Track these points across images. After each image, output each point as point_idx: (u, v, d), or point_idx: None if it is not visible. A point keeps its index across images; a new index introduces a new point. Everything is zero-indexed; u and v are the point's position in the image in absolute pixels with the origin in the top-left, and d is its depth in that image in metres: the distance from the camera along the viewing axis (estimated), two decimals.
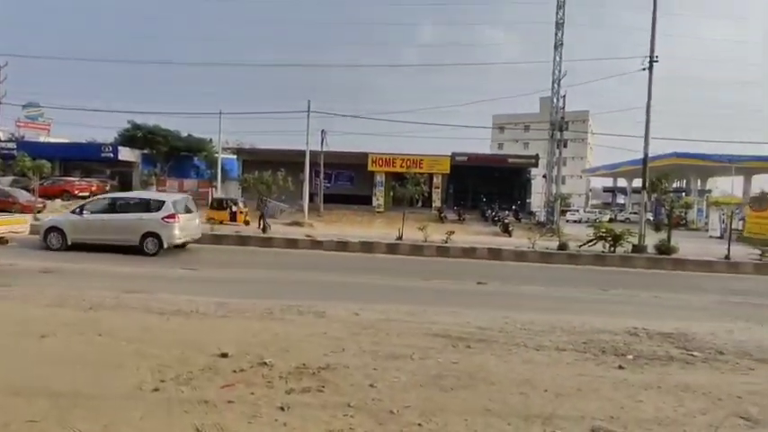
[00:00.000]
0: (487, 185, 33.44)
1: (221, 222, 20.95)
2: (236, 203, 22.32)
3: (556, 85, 27.48)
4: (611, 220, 39.62)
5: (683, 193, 45.20)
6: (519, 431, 3.33)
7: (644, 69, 15.57)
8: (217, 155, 33.50)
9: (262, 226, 18.25)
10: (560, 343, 5.69)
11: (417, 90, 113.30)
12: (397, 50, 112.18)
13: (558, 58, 27.30)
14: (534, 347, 5.45)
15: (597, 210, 50.68)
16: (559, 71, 27.27)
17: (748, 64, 79.10)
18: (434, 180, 32.23)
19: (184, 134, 37.75)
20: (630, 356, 5.35)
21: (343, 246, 15.72)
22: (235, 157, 37.35)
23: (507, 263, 14.60)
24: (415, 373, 4.35)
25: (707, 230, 31.21)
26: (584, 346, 5.61)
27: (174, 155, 36.75)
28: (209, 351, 4.67)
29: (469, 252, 15.20)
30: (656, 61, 15.18)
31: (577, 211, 46.94)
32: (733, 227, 28.22)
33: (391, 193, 22.22)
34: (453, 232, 16.67)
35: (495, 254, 15.13)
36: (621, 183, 57.93)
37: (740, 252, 15.94)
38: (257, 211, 19.73)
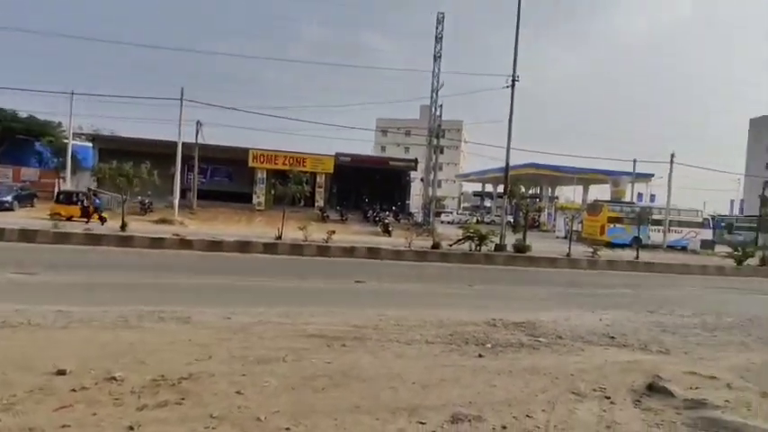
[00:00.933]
0: (370, 186, 34.34)
1: (70, 219, 18.25)
2: (87, 197, 19.63)
3: (434, 95, 29.28)
4: (478, 222, 43.40)
5: (538, 199, 51.54)
6: (387, 424, 3.42)
7: (507, 87, 17.38)
8: (66, 141, 29.02)
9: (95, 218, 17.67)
10: (429, 336, 6.03)
11: (304, 88, 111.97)
12: (285, 46, 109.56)
13: (436, 70, 29.11)
14: (406, 342, 5.69)
15: (468, 212, 55.23)
16: (437, 82, 29.11)
17: (588, 90, 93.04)
18: (318, 179, 32.09)
19: (25, 115, 32.13)
20: (489, 345, 5.89)
21: (216, 245, 14.78)
22: (90, 144, 32.84)
23: (386, 262, 15.11)
24: (287, 376, 4.23)
25: (555, 231, 35.93)
26: (450, 338, 6.03)
27: (9, 138, 31.05)
28: (42, 369, 3.99)
29: (349, 251, 15.40)
30: (518, 81, 17.07)
31: (451, 213, 50.54)
32: (574, 229, 33.17)
33: (273, 192, 21.53)
34: (334, 232, 16.74)
35: (374, 253, 15.55)
36: (490, 188, 63.85)
37: (579, 250, 18.64)
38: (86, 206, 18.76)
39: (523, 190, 52.44)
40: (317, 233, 16.58)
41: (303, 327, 6.07)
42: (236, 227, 21.94)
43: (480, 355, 5.37)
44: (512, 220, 32.81)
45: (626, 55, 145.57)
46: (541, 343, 6.23)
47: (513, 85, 17.10)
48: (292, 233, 16.34)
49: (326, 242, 15.75)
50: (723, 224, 40.39)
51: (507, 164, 17.93)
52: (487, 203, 65.18)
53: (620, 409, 3.98)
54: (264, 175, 31.66)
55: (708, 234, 31.25)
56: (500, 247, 17.31)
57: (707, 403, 4.04)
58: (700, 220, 31.86)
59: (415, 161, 35.32)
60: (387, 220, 23.57)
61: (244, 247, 14.93)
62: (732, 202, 61.03)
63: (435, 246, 16.50)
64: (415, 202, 39.09)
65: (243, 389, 3.86)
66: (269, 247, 15.16)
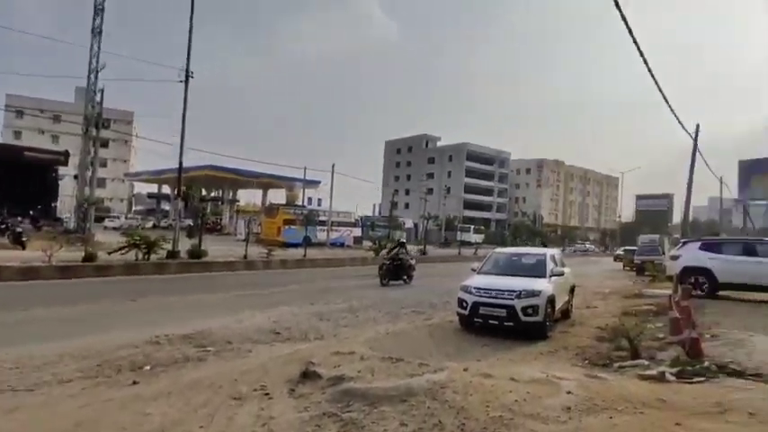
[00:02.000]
0: None
1: None
2: None
3: (93, 77, 24.52)
4: (155, 227, 39.39)
5: (220, 202, 51.07)
6: None
7: (181, 81, 16.32)
8: None
9: None
10: (67, 374, 4.88)
11: None
12: None
13: (96, 47, 24.45)
14: (27, 389, 4.41)
15: (140, 216, 49.25)
16: (98, 61, 24.52)
17: (270, 97, 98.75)
18: None
19: None
20: (148, 367, 5.26)
21: None
22: None
23: (13, 284, 11.49)
24: None
25: (236, 234, 36.42)
26: (96, 370, 5.06)
27: None
28: None
29: None
30: (192, 77, 16.26)
31: (118, 217, 43.93)
32: (255, 231, 34.56)
33: None
34: None
35: None
36: (167, 189, 58.85)
37: (256, 251, 19.42)
38: None
39: (204, 192, 51.11)
40: None
41: None
42: None
43: (135, 382, 4.72)
44: (192, 225, 31.26)
45: (306, 69, 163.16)
46: (209, 352, 6.04)
47: (186, 81, 16.19)
48: None
49: None
50: (369, 223, 50.70)
51: (181, 163, 16.84)
52: (166, 206, 60.14)
53: (276, 403, 4.23)
54: None
55: (358, 232, 38.51)
56: (173, 254, 16.08)
57: (344, 377, 4.78)
58: (353, 220, 38.90)
59: (66, 154, 28.74)
60: (18, 229, 18.16)
61: None
62: (374, 205, 77.50)
63: (89, 258, 13.72)
64: (68, 204, 31.91)
65: None
66: None
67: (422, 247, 31.09)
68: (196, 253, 16.51)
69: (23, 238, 17.11)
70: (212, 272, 15.91)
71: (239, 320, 8.10)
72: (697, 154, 26.05)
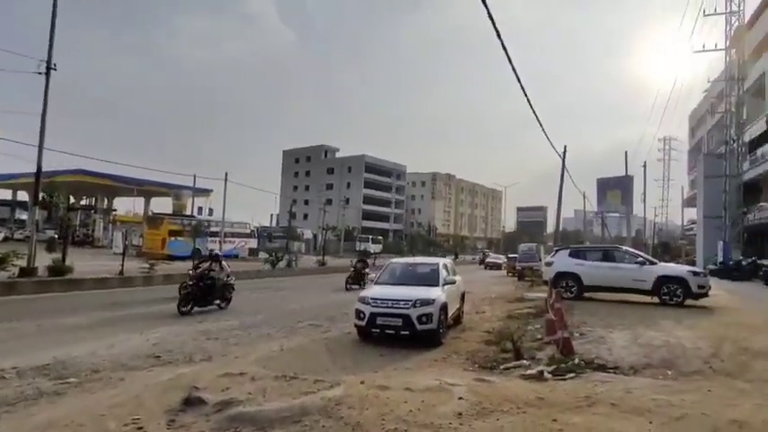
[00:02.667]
0: None
1: None
2: None
3: None
4: (6, 240, 33.83)
5: (93, 211, 45.48)
6: None
7: (41, 74, 14.21)
8: None
9: None
10: None
11: None
12: None
13: None
14: None
15: None
16: None
17: (156, 102, 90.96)
18: None
19: None
20: None
21: None
22: None
23: None
24: None
25: (112, 248, 32.64)
26: None
27: None
28: None
29: None
30: (54, 69, 14.23)
31: None
32: (136, 243, 31.24)
33: None
34: None
35: None
36: (26, 196, 50.89)
37: (136, 266, 17.46)
38: None
39: (73, 200, 45.07)
40: None
41: None
42: None
43: None
44: (57, 237, 27.38)
45: (199, 73, 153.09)
46: (70, 384, 5.22)
47: (48, 73, 14.13)
48: None
49: None
50: (266, 234, 48.85)
51: (39, 167, 14.52)
52: (24, 216, 51.95)
53: None
54: None
55: (254, 243, 36.91)
56: (28, 271, 13.79)
57: (233, 401, 4.42)
58: (248, 231, 37.19)
59: None
60: None
61: None
62: (272, 215, 75.00)
63: None
64: None
65: None
66: None
67: (320, 257, 30.76)
68: (59, 269, 14.34)
69: None
70: (81, 290, 13.95)
71: (110, 345, 7.16)
72: (565, 171, 29.50)
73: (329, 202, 69.26)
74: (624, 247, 16.03)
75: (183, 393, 4.70)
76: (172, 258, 25.18)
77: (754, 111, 30.54)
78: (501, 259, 39.60)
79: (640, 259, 12.91)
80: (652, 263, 12.87)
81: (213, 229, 32.21)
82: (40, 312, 10.14)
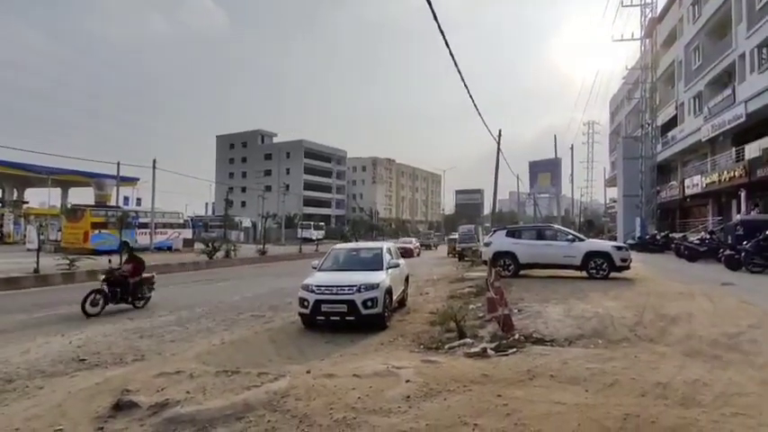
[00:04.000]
0: None
1: None
2: None
3: None
4: None
5: (1, 204, 41.12)
6: None
7: None
8: None
9: None
10: None
11: None
12: None
13: None
14: None
15: None
16: None
17: (71, 85, 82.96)
18: None
19: None
20: None
21: None
22: None
23: None
24: None
25: (27, 243, 29.70)
26: None
27: None
28: None
29: None
30: None
31: None
32: (53, 238, 28.60)
33: None
34: None
35: None
36: None
37: (54, 263, 15.94)
38: None
39: None
40: None
41: None
42: None
43: None
44: None
45: (119, 54, 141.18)
46: None
47: None
48: None
49: None
50: (201, 224, 46.65)
51: None
52: None
53: None
54: None
55: (189, 234, 35.09)
56: None
57: (169, 402, 4.14)
58: (182, 221, 35.26)
59: None
60: None
61: None
62: (207, 204, 71.72)
63: None
64: None
65: None
66: None
67: (261, 246, 29.88)
68: None
69: None
70: None
71: (25, 351, 6.49)
72: (500, 155, 30.62)
73: (268, 188, 67.30)
74: (556, 226, 16.95)
75: (112, 398, 4.36)
76: (97, 253, 23.31)
77: (666, 97, 33.31)
78: (412, 243, 34.41)
79: (570, 237, 13.68)
80: (581, 240, 13.68)
81: (142, 220, 30.22)
82: None
